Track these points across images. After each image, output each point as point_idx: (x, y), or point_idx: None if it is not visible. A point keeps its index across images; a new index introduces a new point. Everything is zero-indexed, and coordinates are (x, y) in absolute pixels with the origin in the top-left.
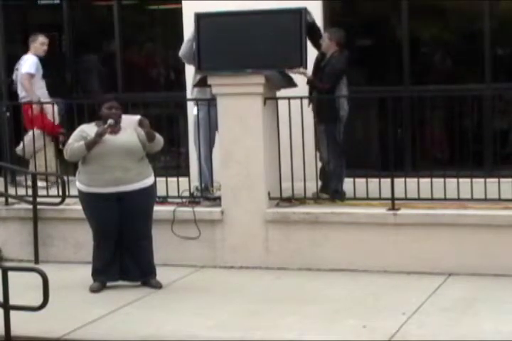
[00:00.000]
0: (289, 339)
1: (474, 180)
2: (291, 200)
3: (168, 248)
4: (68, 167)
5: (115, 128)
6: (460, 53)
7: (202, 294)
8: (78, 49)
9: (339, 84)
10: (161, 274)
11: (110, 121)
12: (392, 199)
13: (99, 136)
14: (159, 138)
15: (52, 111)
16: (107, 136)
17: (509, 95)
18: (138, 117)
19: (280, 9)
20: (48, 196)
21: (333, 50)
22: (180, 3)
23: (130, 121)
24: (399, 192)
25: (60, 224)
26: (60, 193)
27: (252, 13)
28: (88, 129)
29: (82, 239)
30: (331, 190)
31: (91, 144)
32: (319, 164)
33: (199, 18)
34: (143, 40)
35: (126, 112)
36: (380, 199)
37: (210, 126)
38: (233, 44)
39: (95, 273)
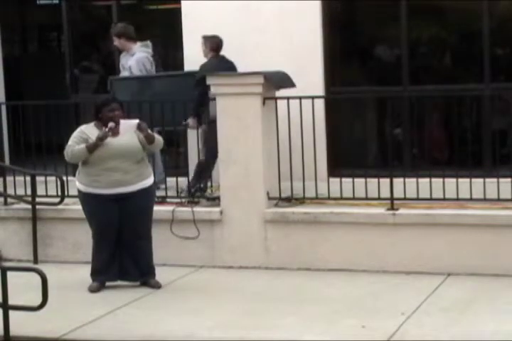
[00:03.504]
0: (288, 339)
1: (473, 180)
2: (290, 200)
3: (167, 248)
4: None
5: (115, 129)
6: (459, 53)
7: (201, 294)
8: (77, 49)
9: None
10: (160, 274)
11: (111, 124)
12: (391, 199)
13: (101, 139)
14: (159, 140)
15: None
16: (108, 139)
17: (508, 95)
18: (136, 121)
19: (177, 73)
20: (47, 196)
21: (210, 55)
22: (179, 3)
23: (129, 126)
24: (398, 192)
25: (59, 224)
26: (59, 193)
27: (155, 76)
28: (88, 130)
29: (81, 239)
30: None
31: (92, 148)
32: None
33: (112, 82)
34: (142, 40)
35: (127, 112)
36: (379, 199)
37: None
38: (142, 104)
39: (94, 273)
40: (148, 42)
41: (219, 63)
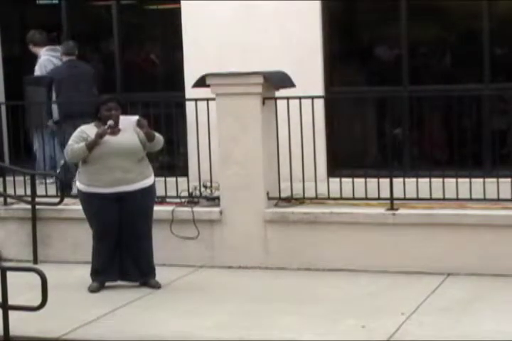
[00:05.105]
0: (288, 339)
1: (473, 180)
2: (290, 200)
3: (167, 248)
4: None
5: (115, 129)
6: (459, 53)
7: (201, 294)
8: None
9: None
10: (160, 274)
11: (110, 122)
12: (391, 199)
13: (100, 136)
14: (159, 138)
15: None
16: (107, 137)
17: (508, 95)
18: (136, 118)
19: None
20: (46, 196)
21: (64, 60)
22: (179, 3)
23: (129, 122)
24: (398, 192)
25: (59, 224)
26: (59, 193)
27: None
28: (88, 130)
29: (81, 238)
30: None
31: (91, 145)
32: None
33: (24, 81)
34: (142, 40)
35: (126, 112)
36: (379, 199)
37: None
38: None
39: (94, 273)
40: (57, 47)
41: (66, 67)
